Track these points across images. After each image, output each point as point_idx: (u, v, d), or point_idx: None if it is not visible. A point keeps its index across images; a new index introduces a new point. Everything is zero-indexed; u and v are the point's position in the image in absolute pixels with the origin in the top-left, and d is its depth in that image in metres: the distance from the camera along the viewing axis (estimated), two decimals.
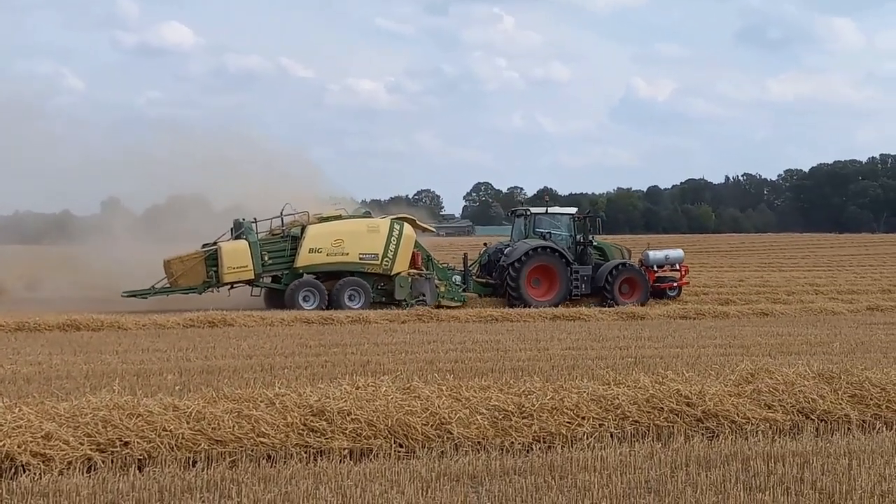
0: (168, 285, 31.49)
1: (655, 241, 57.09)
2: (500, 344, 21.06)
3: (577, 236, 34.93)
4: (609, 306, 31.84)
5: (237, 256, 31.19)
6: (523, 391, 11.65)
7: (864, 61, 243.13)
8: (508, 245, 34.83)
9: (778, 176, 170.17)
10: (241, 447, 9.94)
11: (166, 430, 9.95)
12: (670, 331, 24.79)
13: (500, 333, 23.66)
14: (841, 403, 12.10)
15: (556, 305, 31.90)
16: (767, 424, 11.52)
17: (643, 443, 10.74)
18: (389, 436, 10.42)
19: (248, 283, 31.91)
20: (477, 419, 10.83)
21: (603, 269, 34.05)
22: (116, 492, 8.68)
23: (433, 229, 36.05)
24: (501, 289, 33.69)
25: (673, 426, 11.29)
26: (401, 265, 32.24)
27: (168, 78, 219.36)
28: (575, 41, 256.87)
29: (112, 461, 9.53)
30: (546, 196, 39.00)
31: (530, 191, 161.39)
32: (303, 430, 10.31)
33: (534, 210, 35.61)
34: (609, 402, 11.50)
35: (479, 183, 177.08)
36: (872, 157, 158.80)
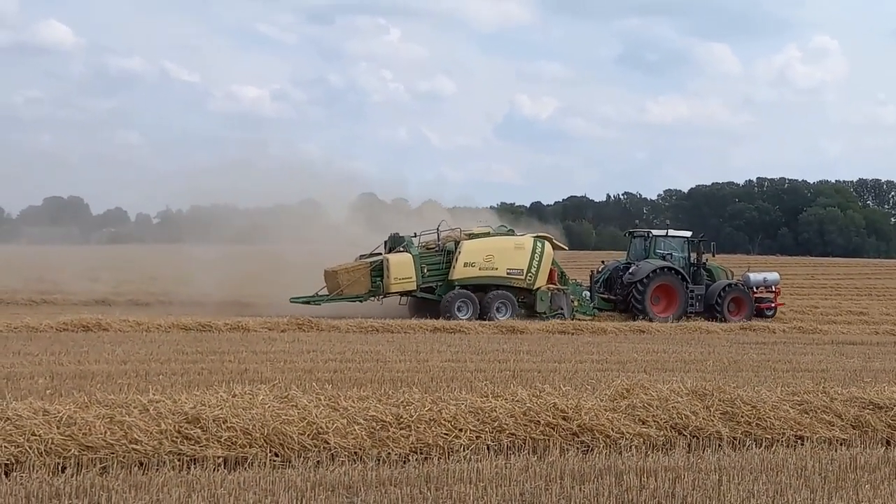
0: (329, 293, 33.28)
1: None
2: (380, 355, 21.01)
3: (692, 257, 37.47)
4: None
5: (403, 268, 33.34)
6: (401, 402, 11.63)
7: (741, 86, 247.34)
8: (627, 263, 37.27)
9: (658, 196, 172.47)
10: (113, 453, 9.75)
11: (35, 435, 9.71)
12: (549, 345, 25.00)
13: (380, 344, 23.62)
14: (713, 420, 12.32)
15: (676, 321, 34.05)
16: (641, 439, 11.67)
17: (519, 455, 10.80)
18: (265, 444, 10.31)
19: (408, 293, 33.82)
20: (354, 429, 10.78)
21: (714, 289, 36.80)
22: None
23: (565, 247, 39.06)
24: (622, 304, 36.24)
25: (549, 439, 11.37)
26: (541, 280, 34.46)
27: (48, 78, 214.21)
28: (460, 55, 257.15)
29: None
30: (667, 220, 42.46)
31: (414, 203, 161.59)
32: (177, 437, 10.15)
33: (655, 232, 38.21)
34: (487, 415, 11.54)
35: (364, 193, 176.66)
36: (749, 180, 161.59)
